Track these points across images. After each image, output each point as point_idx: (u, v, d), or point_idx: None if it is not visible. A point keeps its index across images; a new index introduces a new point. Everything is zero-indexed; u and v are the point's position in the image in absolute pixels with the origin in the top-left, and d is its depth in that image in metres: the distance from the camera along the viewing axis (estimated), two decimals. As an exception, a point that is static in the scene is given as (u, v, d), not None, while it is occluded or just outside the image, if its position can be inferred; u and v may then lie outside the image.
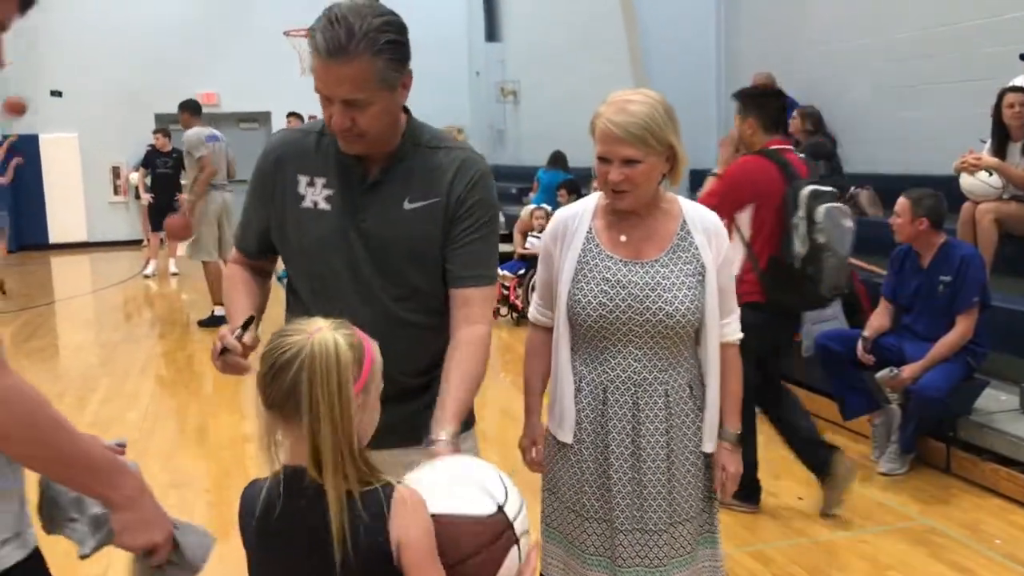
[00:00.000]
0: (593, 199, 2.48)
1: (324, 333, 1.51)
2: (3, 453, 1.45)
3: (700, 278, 2.37)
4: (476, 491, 1.62)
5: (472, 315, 2.13)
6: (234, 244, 2.39)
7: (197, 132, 8.97)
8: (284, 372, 1.49)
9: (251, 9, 16.64)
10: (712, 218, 2.46)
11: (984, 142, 5.97)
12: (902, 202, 4.79)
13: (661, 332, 2.33)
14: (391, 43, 1.97)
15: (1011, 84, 5.87)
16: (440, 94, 16.50)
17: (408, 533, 1.49)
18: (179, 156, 12.98)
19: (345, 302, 2.13)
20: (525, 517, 1.66)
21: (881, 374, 4.73)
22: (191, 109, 9.16)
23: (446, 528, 1.55)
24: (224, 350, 2.06)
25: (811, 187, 4.23)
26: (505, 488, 1.65)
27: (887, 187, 7.12)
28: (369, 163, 2.13)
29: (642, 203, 2.37)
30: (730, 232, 3.91)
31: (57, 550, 1.66)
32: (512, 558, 1.60)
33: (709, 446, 2.45)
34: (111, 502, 1.54)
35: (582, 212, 2.46)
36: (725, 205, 4.07)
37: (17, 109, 10.28)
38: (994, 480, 4.54)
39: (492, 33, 16.84)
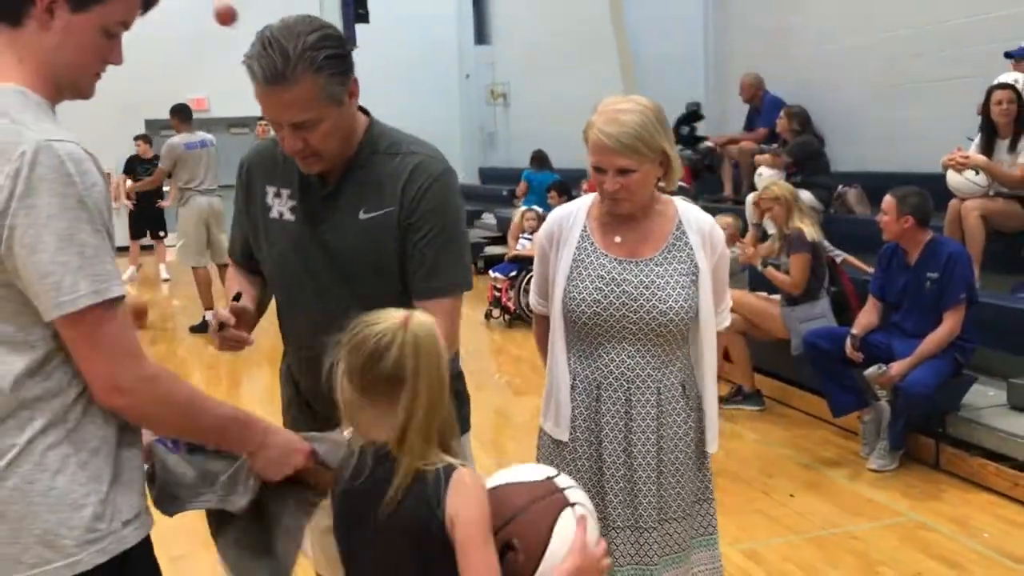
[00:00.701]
0: (587, 199, 2.51)
1: (419, 317, 1.62)
2: (151, 430, 1.67)
3: (694, 278, 2.39)
4: (529, 468, 1.77)
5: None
6: (228, 254, 2.43)
7: (171, 141, 9.02)
8: (386, 356, 1.57)
9: (241, 14, 16.65)
10: (707, 219, 2.48)
11: (971, 139, 6.01)
12: (888, 200, 4.83)
13: (655, 330, 2.36)
14: (330, 57, 1.93)
15: (998, 81, 5.91)
16: (430, 97, 16.56)
17: (462, 511, 1.56)
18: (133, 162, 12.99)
19: (308, 312, 2.16)
20: (581, 492, 1.72)
21: (870, 371, 4.76)
22: (179, 114, 9.17)
23: (498, 493, 1.64)
24: (221, 325, 2.09)
25: None
26: (557, 472, 1.76)
27: (875, 185, 7.16)
28: (328, 172, 2.12)
29: (639, 207, 2.40)
30: None
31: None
32: (567, 521, 1.63)
33: (712, 446, 2.48)
34: (247, 453, 1.74)
35: (576, 212, 2.48)
36: None
37: (228, 17, 10.01)
38: (982, 475, 4.57)
39: (482, 36, 16.87)
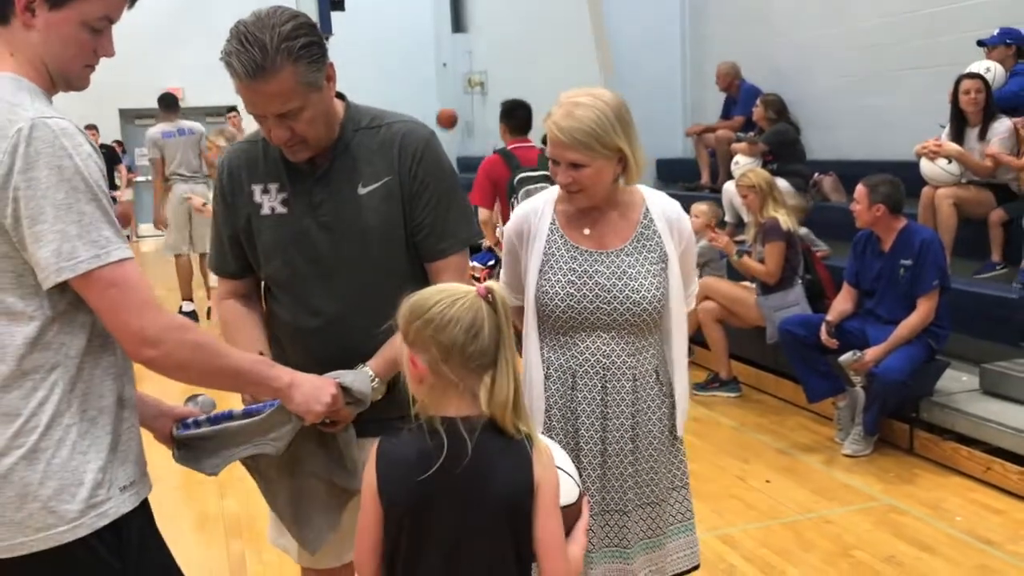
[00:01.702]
0: (553, 192, 2.50)
1: (497, 285, 1.67)
2: (185, 380, 1.74)
3: (663, 266, 2.41)
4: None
5: (440, 282, 2.15)
6: (213, 272, 2.38)
7: (150, 132, 9.08)
8: (483, 327, 1.62)
9: (214, 2, 16.52)
10: (674, 206, 2.49)
11: (943, 127, 6.07)
12: (859, 189, 4.88)
13: (628, 320, 2.37)
14: (306, 45, 1.97)
15: (969, 70, 5.97)
16: (407, 86, 16.48)
17: (544, 477, 1.67)
18: (108, 152, 12.91)
19: (315, 301, 2.18)
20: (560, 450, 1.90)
21: (844, 357, 4.81)
22: (161, 104, 9.20)
23: None
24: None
25: (522, 174, 5.07)
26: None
27: (850, 173, 7.19)
28: (315, 157, 2.15)
29: (596, 201, 2.39)
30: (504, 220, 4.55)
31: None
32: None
33: (680, 430, 2.50)
34: (280, 394, 1.90)
35: (543, 206, 2.48)
36: (483, 200, 5.79)
37: (449, 121, 10.38)
38: (955, 459, 4.63)
39: (458, 24, 16.80)
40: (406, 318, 1.66)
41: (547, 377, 2.44)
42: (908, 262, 4.78)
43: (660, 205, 2.47)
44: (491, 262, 8.86)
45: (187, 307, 8.57)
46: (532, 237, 2.44)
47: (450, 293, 1.66)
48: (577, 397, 2.41)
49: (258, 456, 2.03)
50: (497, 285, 1.69)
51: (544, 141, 7.69)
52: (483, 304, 1.64)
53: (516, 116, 6.27)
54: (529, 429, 1.69)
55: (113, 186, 12.70)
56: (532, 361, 2.45)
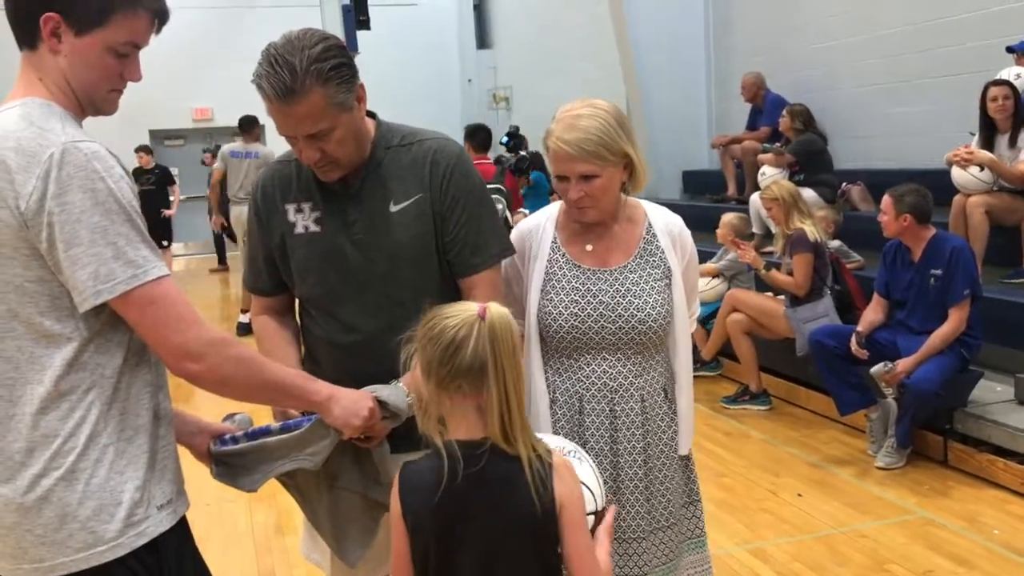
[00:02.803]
0: (553, 208, 2.44)
1: (496, 307, 1.66)
2: (225, 395, 1.74)
3: (667, 282, 2.35)
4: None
5: (473, 297, 2.18)
6: (249, 290, 2.39)
7: (224, 146, 9.60)
8: (464, 347, 1.61)
9: (242, 23, 16.68)
10: (676, 221, 2.44)
11: (973, 135, 6.01)
12: (886, 200, 4.83)
13: (634, 338, 2.30)
14: (336, 67, 1.98)
15: (996, 77, 5.91)
16: (432, 102, 16.56)
17: (567, 494, 1.67)
18: (162, 172, 13.12)
19: (349, 318, 2.19)
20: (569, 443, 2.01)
21: (875, 369, 4.75)
22: (240, 125, 9.51)
23: None
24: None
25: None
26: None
27: (878, 182, 7.14)
28: (347, 176, 2.16)
29: (606, 215, 2.34)
30: None
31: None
32: (580, 469, 1.84)
33: (684, 448, 2.42)
34: (319, 408, 1.91)
35: (544, 223, 2.41)
36: None
37: None
38: (991, 471, 4.56)
39: (483, 40, 16.86)
40: (417, 334, 1.70)
41: (553, 402, 2.35)
42: (938, 271, 4.73)
43: (662, 219, 2.41)
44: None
45: (244, 319, 8.66)
46: (533, 256, 2.38)
47: (452, 311, 1.66)
48: (585, 422, 2.32)
49: (295, 472, 2.04)
50: (497, 306, 1.68)
51: (498, 161, 7.97)
52: (477, 323, 1.62)
53: (478, 137, 8.02)
54: (540, 448, 1.68)
55: (166, 205, 12.90)
56: (536, 387, 2.35)
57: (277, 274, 2.30)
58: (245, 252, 2.43)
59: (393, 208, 2.16)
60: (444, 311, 1.68)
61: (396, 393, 2.05)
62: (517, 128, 11.49)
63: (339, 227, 2.17)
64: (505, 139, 10.96)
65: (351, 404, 1.95)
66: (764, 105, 8.87)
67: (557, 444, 1.90)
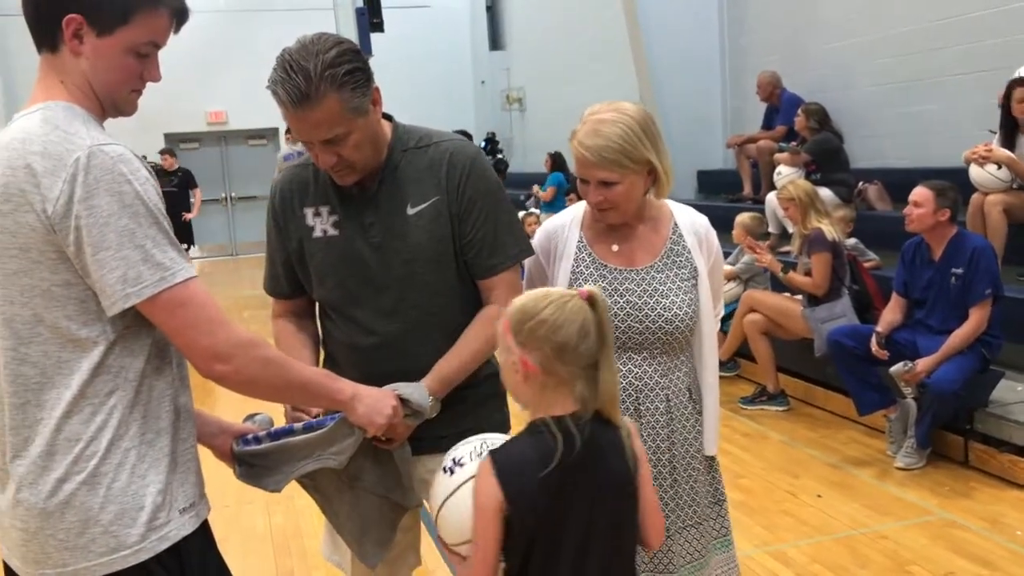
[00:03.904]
0: (578, 208, 2.44)
1: (595, 288, 1.78)
2: (252, 395, 1.75)
3: (694, 282, 2.35)
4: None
5: (492, 298, 2.21)
6: (268, 294, 2.39)
7: (279, 155, 9.56)
8: (591, 330, 1.73)
9: (256, 27, 16.75)
10: (702, 221, 2.43)
11: (993, 133, 5.95)
12: (924, 193, 4.73)
13: (660, 338, 2.31)
14: (350, 72, 1.98)
15: (1018, 75, 5.85)
16: (445, 103, 16.59)
17: (641, 452, 1.85)
18: (184, 175, 13.16)
19: (368, 321, 2.19)
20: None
21: (895, 368, 4.72)
22: (288, 128, 9.55)
23: None
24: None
25: None
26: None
27: (895, 181, 7.11)
28: (364, 180, 2.16)
29: (628, 217, 2.34)
30: None
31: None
32: None
33: (711, 448, 2.42)
34: (344, 407, 1.93)
35: (570, 223, 2.42)
36: None
37: None
38: (1013, 472, 4.51)
39: (496, 42, 16.88)
40: (517, 320, 1.74)
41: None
42: (959, 270, 4.68)
43: (688, 219, 2.41)
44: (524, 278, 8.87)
45: None
46: (559, 255, 2.38)
47: (558, 296, 1.75)
48: None
49: (315, 473, 2.03)
50: (597, 289, 1.78)
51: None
52: (587, 306, 1.73)
53: None
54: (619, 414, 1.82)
55: (187, 208, 12.95)
56: None
57: (295, 277, 2.30)
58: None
59: (410, 211, 2.16)
60: (548, 298, 1.75)
61: (418, 391, 2.06)
62: (494, 134, 13.12)
63: (357, 231, 2.17)
64: (483, 144, 11.80)
65: (375, 402, 1.96)
66: (780, 104, 8.82)
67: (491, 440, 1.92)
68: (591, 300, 1.75)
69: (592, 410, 1.75)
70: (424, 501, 2.17)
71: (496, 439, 1.89)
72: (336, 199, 2.19)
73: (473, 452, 1.86)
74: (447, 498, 1.83)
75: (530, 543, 1.71)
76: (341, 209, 2.19)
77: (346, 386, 1.93)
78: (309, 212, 2.22)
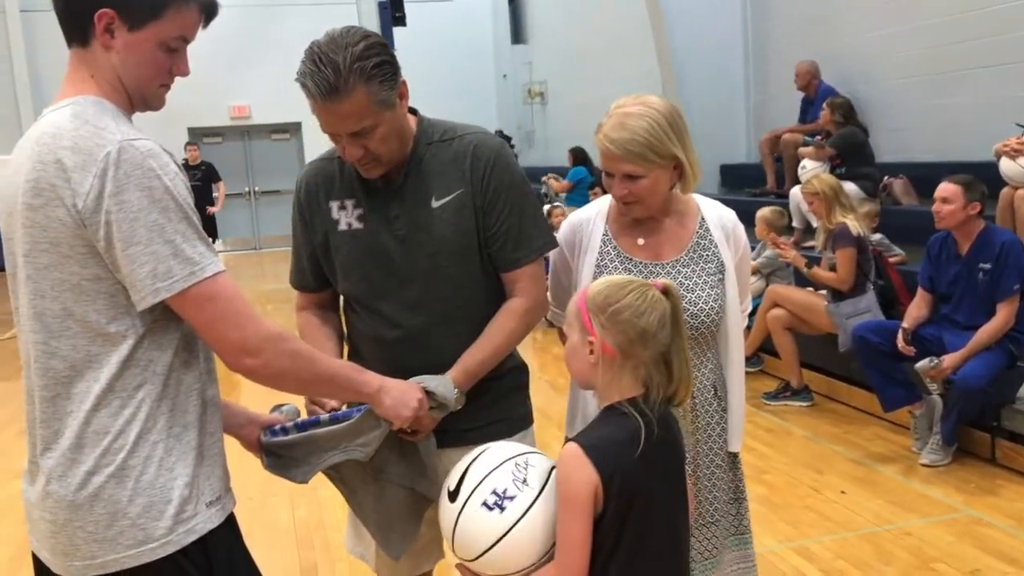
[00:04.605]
0: (604, 202, 2.42)
1: (667, 281, 1.88)
2: (280, 389, 1.76)
3: (720, 277, 2.33)
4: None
5: (515, 291, 2.22)
6: (293, 287, 2.40)
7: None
8: (668, 318, 1.82)
9: (279, 22, 16.81)
10: (730, 215, 2.41)
11: (1020, 126, 5.88)
12: (951, 188, 4.67)
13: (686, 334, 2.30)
14: (378, 65, 1.98)
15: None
16: (467, 97, 16.59)
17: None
18: (208, 168, 13.20)
19: (393, 314, 2.19)
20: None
21: (921, 364, 4.67)
22: None
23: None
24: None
25: None
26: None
27: (920, 175, 7.04)
28: (389, 173, 2.17)
29: (654, 211, 2.32)
30: None
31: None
32: None
33: (735, 445, 2.40)
34: (371, 399, 1.94)
35: (595, 216, 2.40)
36: None
37: None
38: (1040, 469, 4.47)
39: (518, 35, 16.85)
40: (599, 303, 1.80)
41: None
42: (987, 265, 4.63)
43: (715, 213, 2.39)
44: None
45: None
46: (584, 248, 2.37)
47: (637, 283, 1.84)
48: None
49: (341, 465, 2.04)
50: (668, 281, 1.87)
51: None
52: (668, 295, 1.83)
53: None
54: None
55: (211, 201, 13.00)
56: None
57: (321, 271, 2.31)
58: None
59: (435, 204, 2.16)
60: (628, 285, 1.82)
61: (443, 384, 2.06)
62: (501, 131, 13.24)
63: (382, 224, 2.18)
64: None
65: (401, 395, 1.96)
66: (816, 96, 8.64)
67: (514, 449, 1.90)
68: (666, 291, 1.83)
69: (664, 395, 1.84)
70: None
71: (522, 452, 1.87)
72: (361, 192, 2.20)
73: (515, 479, 1.80)
74: (506, 533, 1.77)
75: (622, 524, 1.74)
76: (366, 202, 2.19)
77: (372, 379, 1.94)
78: (334, 205, 2.22)
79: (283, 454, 2.01)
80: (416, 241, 2.16)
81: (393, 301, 2.19)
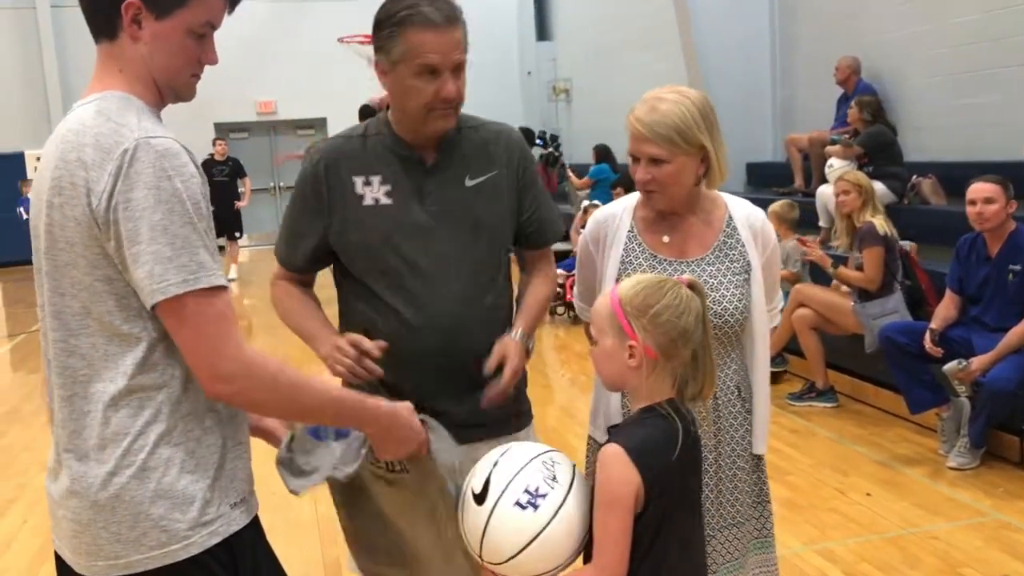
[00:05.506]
0: (631, 198, 2.41)
1: (692, 278, 1.88)
2: (259, 415, 1.75)
3: (746, 276, 2.30)
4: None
5: (541, 265, 2.42)
6: (279, 261, 2.36)
7: None
8: (702, 319, 1.83)
9: (305, 17, 16.87)
10: (758, 215, 2.39)
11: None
12: (994, 188, 4.59)
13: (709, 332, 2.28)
14: None
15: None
16: (492, 94, 16.51)
17: None
18: (235, 164, 13.26)
19: (422, 292, 2.17)
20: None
21: (949, 366, 4.62)
22: (361, 115, 9.45)
23: None
24: (363, 353, 2.10)
25: None
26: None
27: (949, 174, 6.96)
28: (422, 151, 2.20)
29: (676, 204, 2.29)
30: None
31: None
32: None
33: (760, 447, 2.38)
34: (366, 432, 1.89)
35: (621, 212, 2.39)
36: None
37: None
38: (1070, 473, 4.41)
39: (543, 32, 16.83)
40: (637, 307, 1.79)
41: (624, 395, 2.30)
42: (1017, 267, 4.58)
43: (743, 212, 2.37)
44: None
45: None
46: (609, 244, 2.36)
47: (670, 282, 1.83)
48: None
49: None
50: (694, 280, 1.87)
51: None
52: (696, 294, 1.84)
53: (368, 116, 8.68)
54: None
55: (237, 196, 13.06)
56: None
57: (316, 257, 2.27)
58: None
59: (469, 182, 2.22)
60: (659, 283, 1.82)
61: (447, 448, 2.00)
62: (532, 129, 13.26)
63: (413, 199, 2.18)
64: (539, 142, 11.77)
65: (393, 443, 1.90)
66: (853, 92, 8.49)
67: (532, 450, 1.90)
68: (692, 287, 1.83)
69: (694, 393, 1.85)
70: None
71: (546, 450, 1.86)
72: (389, 170, 2.20)
73: (546, 477, 1.79)
74: (540, 532, 1.76)
75: (660, 523, 1.75)
76: (395, 179, 2.19)
77: (368, 416, 1.85)
78: (359, 180, 2.20)
79: (294, 459, 2.00)
80: (450, 219, 2.19)
81: (418, 279, 2.17)
